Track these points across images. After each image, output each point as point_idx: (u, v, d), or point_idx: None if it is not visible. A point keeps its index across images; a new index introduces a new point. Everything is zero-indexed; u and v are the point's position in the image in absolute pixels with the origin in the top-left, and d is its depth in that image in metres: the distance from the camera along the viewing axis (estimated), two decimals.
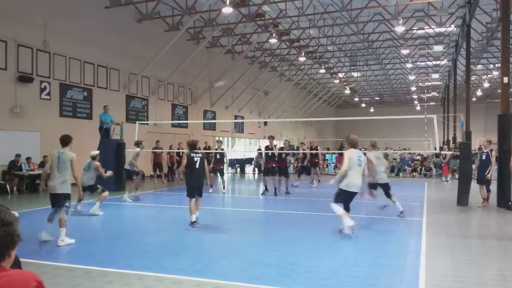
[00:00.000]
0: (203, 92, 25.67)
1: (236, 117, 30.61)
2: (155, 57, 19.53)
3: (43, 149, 14.98)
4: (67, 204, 6.77)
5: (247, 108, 32.53)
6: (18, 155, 13.78)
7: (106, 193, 9.93)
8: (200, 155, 8.65)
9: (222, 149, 15.37)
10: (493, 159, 10.88)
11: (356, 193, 7.52)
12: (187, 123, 23.90)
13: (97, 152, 10.43)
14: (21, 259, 2.83)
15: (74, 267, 5.30)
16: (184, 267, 5.32)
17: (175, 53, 20.96)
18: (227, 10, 17.08)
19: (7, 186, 13.45)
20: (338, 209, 7.41)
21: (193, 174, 8.42)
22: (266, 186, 13.53)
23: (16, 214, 1.85)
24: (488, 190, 11.09)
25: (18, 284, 1.52)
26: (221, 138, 27.58)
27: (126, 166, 12.54)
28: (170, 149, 18.60)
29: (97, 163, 10.04)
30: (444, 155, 18.25)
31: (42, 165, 14.56)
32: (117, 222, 9.26)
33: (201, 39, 23.24)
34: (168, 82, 22.18)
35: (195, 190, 8.37)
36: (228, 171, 26.24)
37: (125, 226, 9.03)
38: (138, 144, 12.54)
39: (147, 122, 19.41)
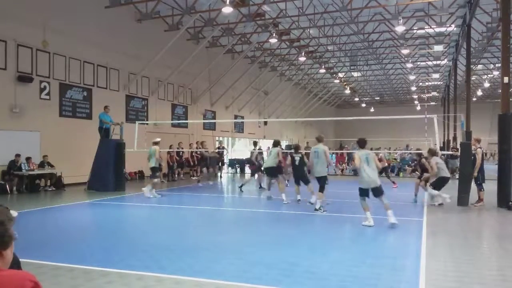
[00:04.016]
0: (203, 92, 25.66)
1: (236, 117, 30.59)
2: (155, 57, 19.50)
3: (43, 149, 14.97)
4: (157, 174, 13.41)
5: (247, 108, 32.52)
6: (17, 155, 13.77)
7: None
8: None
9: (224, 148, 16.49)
10: (478, 157, 11.00)
11: None
12: (187, 123, 23.89)
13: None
14: (20, 259, 2.82)
15: (73, 267, 5.29)
16: (184, 267, 5.32)
17: (175, 53, 20.95)
18: (227, 9, 17.06)
19: (7, 186, 13.44)
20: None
21: None
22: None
23: (16, 213, 1.83)
24: (480, 190, 11.12)
25: (12, 285, 1.50)
26: (221, 138, 27.73)
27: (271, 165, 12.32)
28: (170, 149, 18.60)
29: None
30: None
31: (42, 165, 14.55)
32: (117, 222, 9.25)
33: (201, 39, 23.23)
34: (168, 82, 22.16)
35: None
36: (228, 171, 26.25)
37: (125, 226, 9.02)
38: (255, 144, 13.32)
39: (147, 122, 19.40)
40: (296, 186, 11.71)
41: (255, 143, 16.11)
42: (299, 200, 11.60)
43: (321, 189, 10.03)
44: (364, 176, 8.20)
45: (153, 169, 13.31)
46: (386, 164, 17.83)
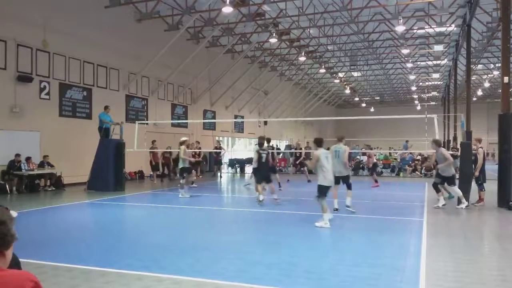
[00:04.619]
0: (203, 92, 25.66)
1: (236, 116, 30.59)
2: (155, 57, 19.50)
3: (43, 149, 14.97)
4: (184, 175, 12.80)
5: (247, 108, 32.52)
6: (17, 155, 13.76)
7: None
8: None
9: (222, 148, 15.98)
10: (480, 156, 10.97)
11: None
12: (187, 123, 23.89)
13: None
14: (20, 259, 2.81)
15: (73, 267, 5.28)
16: (183, 267, 5.31)
17: (175, 52, 20.95)
18: (227, 9, 17.06)
19: (7, 186, 13.43)
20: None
21: None
22: None
23: (15, 214, 1.83)
24: (481, 189, 11.09)
25: (13, 285, 1.50)
26: (221, 138, 27.72)
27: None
28: (166, 149, 18.49)
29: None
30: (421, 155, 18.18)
31: (41, 165, 14.54)
32: (117, 222, 9.25)
33: (201, 39, 23.23)
34: (168, 82, 22.16)
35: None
36: (228, 171, 26.25)
37: (125, 226, 9.02)
38: (269, 140, 12.28)
39: (146, 122, 19.40)
40: (259, 185, 11.28)
41: (268, 140, 15.61)
42: (262, 200, 11.09)
43: (350, 187, 10.00)
44: (326, 175, 8.26)
45: (181, 170, 13.03)
46: (375, 160, 17.95)
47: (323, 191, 8.24)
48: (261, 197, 11.11)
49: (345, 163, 10.02)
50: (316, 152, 8.50)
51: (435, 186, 10.98)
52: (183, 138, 13.46)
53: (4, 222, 1.59)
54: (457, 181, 11.14)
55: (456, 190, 10.71)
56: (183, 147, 12.92)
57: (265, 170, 11.41)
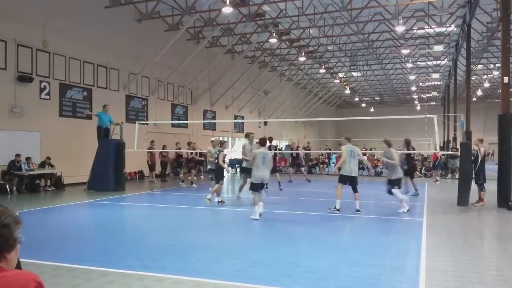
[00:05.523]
0: (203, 92, 25.67)
1: (236, 117, 30.59)
2: (155, 57, 19.50)
3: (43, 149, 14.98)
4: (209, 176, 11.75)
5: (247, 108, 32.53)
6: (18, 155, 13.77)
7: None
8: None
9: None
10: (481, 154, 10.99)
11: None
12: (187, 123, 23.90)
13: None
14: (20, 259, 2.82)
15: (74, 267, 5.29)
16: (184, 267, 5.32)
17: (175, 53, 20.95)
18: (227, 9, 17.07)
19: (7, 186, 13.44)
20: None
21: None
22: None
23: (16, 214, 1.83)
24: (481, 189, 11.09)
25: (17, 285, 1.51)
26: (225, 138, 27.66)
27: (244, 165, 11.69)
28: (163, 149, 18.44)
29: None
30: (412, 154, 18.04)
31: (42, 165, 14.55)
32: (117, 222, 9.25)
33: (201, 39, 23.23)
34: (168, 82, 22.17)
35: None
36: (228, 171, 26.22)
37: (125, 226, 9.03)
38: (247, 135, 12.08)
39: (147, 122, 19.39)
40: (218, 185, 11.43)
41: (270, 140, 15.03)
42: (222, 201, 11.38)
43: (355, 189, 10.01)
44: (259, 173, 8.92)
45: (208, 172, 12.35)
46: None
47: (255, 187, 8.94)
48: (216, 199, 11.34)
49: (386, 162, 10.41)
50: (256, 151, 9.10)
51: (390, 193, 10.46)
52: (211, 138, 12.48)
53: (7, 225, 1.57)
54: (457, 181, 11.12)
55: (398, 194, 10.18)
56: (209, 148, 12.00)
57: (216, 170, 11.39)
